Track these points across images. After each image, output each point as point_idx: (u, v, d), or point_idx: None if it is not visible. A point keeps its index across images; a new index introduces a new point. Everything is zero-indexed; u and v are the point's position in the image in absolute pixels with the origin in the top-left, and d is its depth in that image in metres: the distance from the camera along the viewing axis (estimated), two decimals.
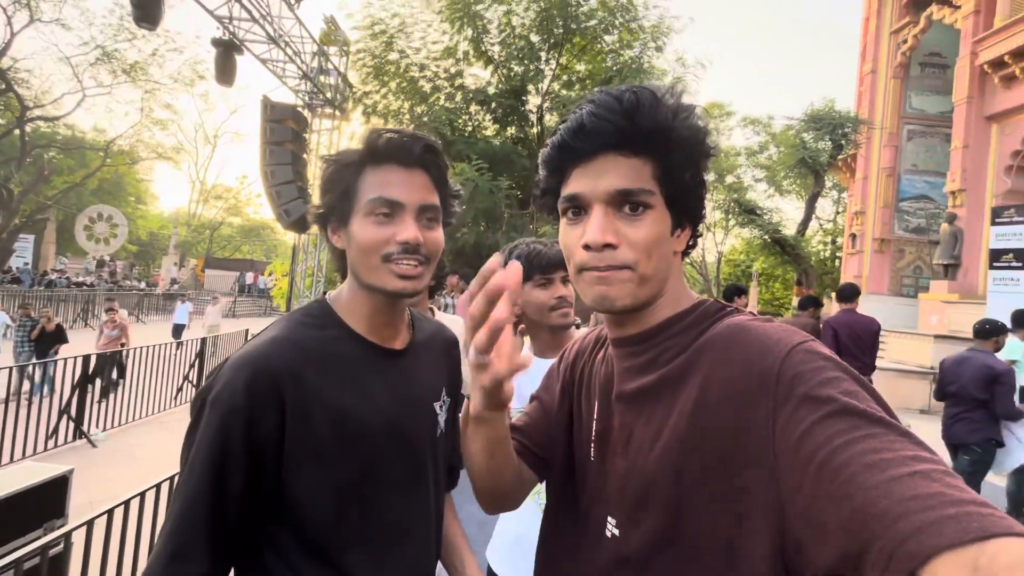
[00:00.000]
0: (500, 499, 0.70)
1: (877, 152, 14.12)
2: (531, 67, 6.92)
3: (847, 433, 0.40)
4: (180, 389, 7.03)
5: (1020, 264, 5.78)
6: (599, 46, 7.32)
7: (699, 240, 0.61)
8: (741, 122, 25.13)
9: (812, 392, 0.43)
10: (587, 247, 0.54)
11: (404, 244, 0.69)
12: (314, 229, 6.34)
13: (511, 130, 7.49)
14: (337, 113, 6.51)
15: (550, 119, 7.57)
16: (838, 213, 25.84)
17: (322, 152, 6.57)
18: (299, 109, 5.77)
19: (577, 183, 0.55)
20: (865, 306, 14.08)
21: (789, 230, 14.97)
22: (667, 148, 0.53)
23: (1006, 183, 10.84)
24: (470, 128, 7.29)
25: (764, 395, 0.46)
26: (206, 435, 0.63)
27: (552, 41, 6.88)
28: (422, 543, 0.77)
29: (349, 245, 0.72)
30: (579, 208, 0.56)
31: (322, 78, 6.12)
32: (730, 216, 18.68)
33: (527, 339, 1.38)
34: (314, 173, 6.31)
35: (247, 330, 9.50)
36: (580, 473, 0.65)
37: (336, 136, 6.62)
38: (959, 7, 11.85)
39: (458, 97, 7.14)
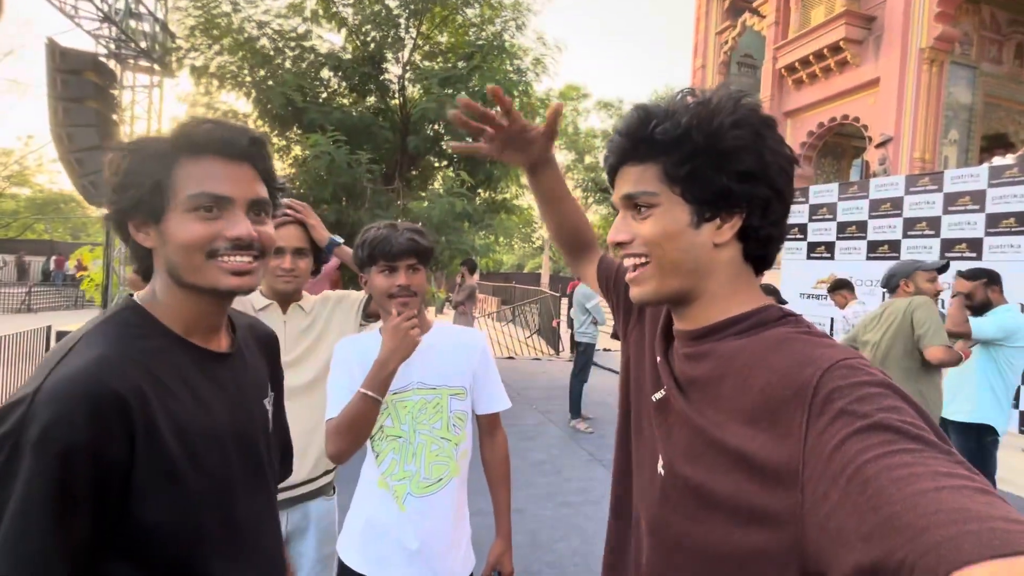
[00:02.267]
0: (582, 237, 0.99)
1: None
2: (389, 34, 6.55)
3: (880, 447, 0.40)
4: None
5: (802, 236, 7.13)
6: (460, 18, 7.18)
7: (777, 230, 0.61)
8: (596, 105, 26.97)
9: (849, 407, 0.43)
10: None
11: (237, 240, 0.67)
12: None
13: (371, 100, 7.07)
14: (156, 68, 5.51)
15: (412, 90, 7.30)
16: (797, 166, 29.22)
17: (139, 114, 5.55)
18: (101, 59, 4.77)
19: (616, 189, 0.66)
20: None
21: None
22: (661, 152, 0.59)
23: (797, 169, 13.23)
24: (323, 95, 6.72)
25: (799, 405, 0.47)
26: (36, 483, 0.53)
27: (412, 8, 6.57)
28: (272, 535, 0.82)
29: (164, 244, 0.67)
30: (615, 208, 0.66)
31: (132, 24, 5.11)
32: (588, 194, 20.10)
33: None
34: (131, 138, 5.34)
35: (49, 327, 7.83)
36: (643, 414, 0.71)
37: (157, 95, 5.61)
38: (765, 16, 13.95)
39: (307, 61, 6.51)
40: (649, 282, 0.62)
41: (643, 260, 0.61)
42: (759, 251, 0.62)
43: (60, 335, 7.76)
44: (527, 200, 10.49)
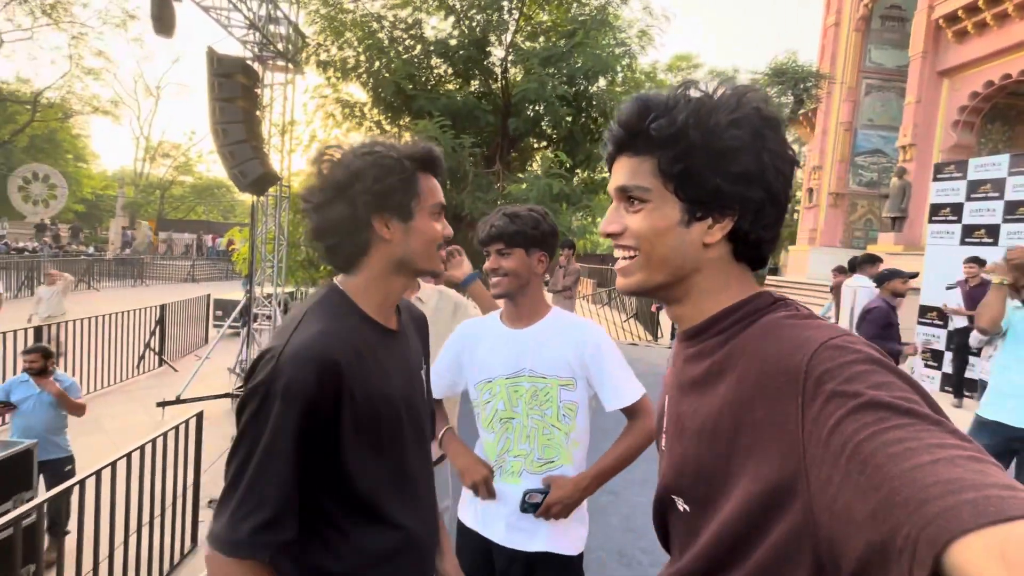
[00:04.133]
0: None
1: (836, 107, 14.39)
2: (493, 16, 6.64)
3: (874, 425, 0.40)
4: (142, 357, 6.89)
5: (956, 218, 6.14)
6: None
7: (770, 233, 0.60)
8: (708, 75, 25.03)
9: (839, 388, 0.44)
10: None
11: (447, 237, 0.91)
12: (273, 190, 6.14)
13: (475, 84, 7.26)
14: (290, 66, 6.14)
15: (514, 72, 7.36)
16: (799, 167, 26.42)
17: (276, 108, 6.25)
18: (248, 62, 5.42)
19: (611, 180, 0.66)
20: (818, 258, 14.55)
21: None
22: (657, 146, 0.58)
23: (952, 137, 11.30)
24: (432, 82, 7.02)
25: (792, 392, 0.47)
26: (282, 423, 0.72)
27: None
28: (429, 484, 0.96)
29: (408, 236, 0.85)
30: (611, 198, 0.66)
31: (272, 28, 5.73)
32: None
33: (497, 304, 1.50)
34: (269, 131, 6.05)
35: (208, 295, 9.26)
36: (661, 455, 0.71)
37: (291, 91, 6.27)
38: None
39: (417, 49, 6.83)
40: (636, 274, 0.62)
41: (632, 253, 0.62)
42: (750, 252, 0.61)
43: (218, 303, 9.15)
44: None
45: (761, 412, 0.50)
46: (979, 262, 4.89)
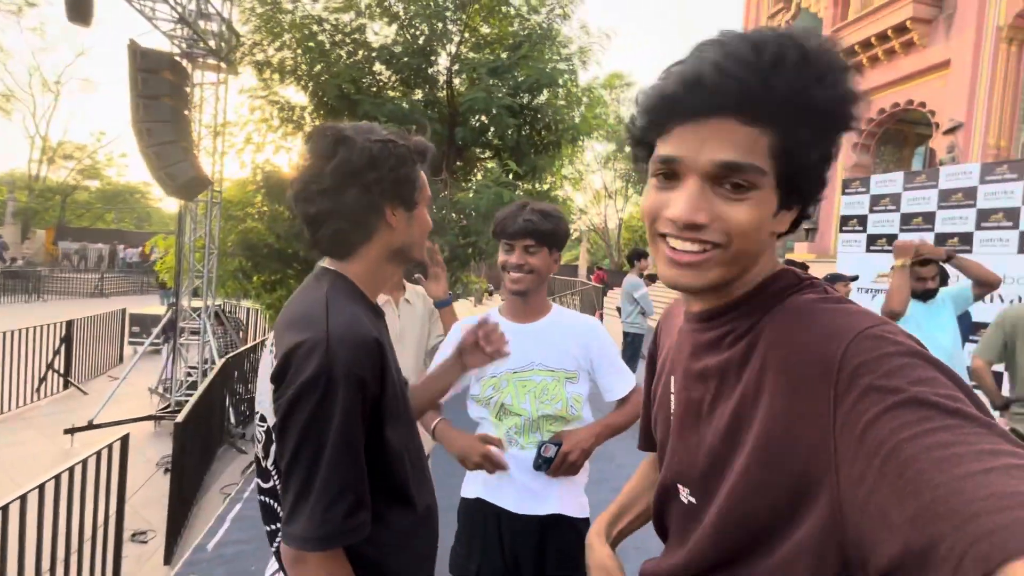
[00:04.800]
0: None
1: None
2: (437, 26, 6.65)
3: (916, 425, 0.37)
4: (43, 379, 6.14)
5: (861, 228, 6.82)
6: (505, 8, 7.20)
7: (808, 218, 0.53)
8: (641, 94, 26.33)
9: (877, 382, 0.40)
10: (673, 221, 0.49)
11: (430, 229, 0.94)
12: (203, 195, 5.73)
13: (420, 93, 7.21)
14: (223, 65, 5.80)
15: (459, 82, 7.39)
16: None
17: (207, 109, 5.86)
18: (177, 59, 5.07)
19: (677, 144, 0.48)
20: None
21: None
22: (798, 120, 0.45)
23: (852, 158, 12.62)
24: (375, 88, 6.90)
25: (824, 383, 0.43)
26: (349, 406, 0.71)
27: (458, 1, 6.64)
28: (426, 464, 0.97)
29: (411, 225, 0.87)
30: (673, 172, 0.49)
31: (202, 24, 5.40)
32: (630, 185, 19.78)
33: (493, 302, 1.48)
34: (199, 133, 5.66)
35: (124, 310, 8.43)
36: (664, 442, 0.66)
37: (223, 91, 5.91)
38: None
39: (360, 54, 6.70)
40: (714, 271, 0.50)
41: (710, 247, 0.49)
42: (793, 229, 0.54)
43: (134, 318, 8.35)
44: (566, 191, 10.45)
45: (789, 403, 0.46)
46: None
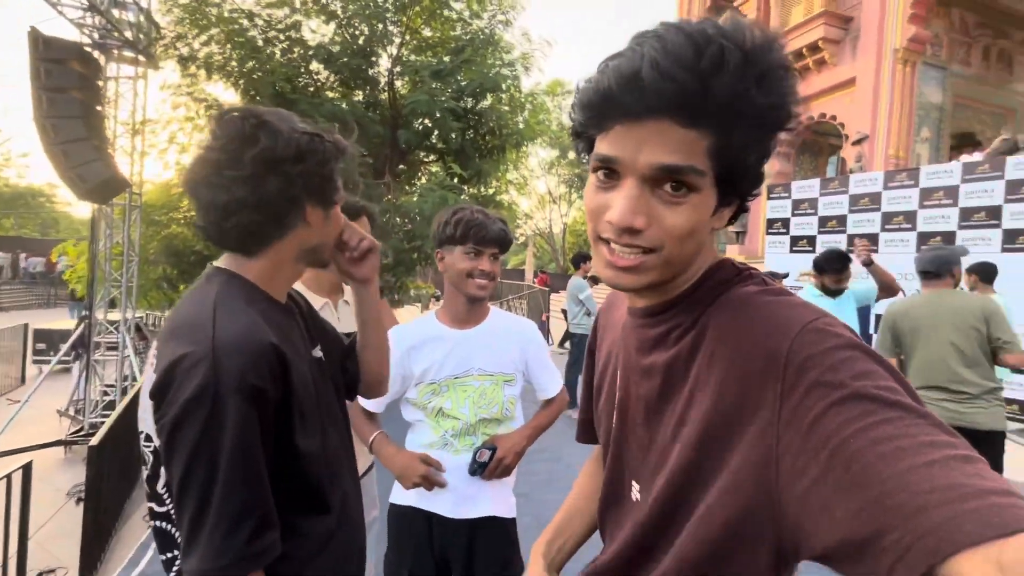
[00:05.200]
0: None
1: None
2: (377, 27, 6.53)
3: (860, 419, 0.38)
4: None
5: (785, 231, 7.33)
6: (447, 12, 7.18)
7: (745, 211, 0.53)
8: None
9: (823, 377, 0.41)
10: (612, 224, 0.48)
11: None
12: (120, 198, 5.28)
13: (360, 94, 7.03)
14: (141, 59, 5.39)
15: (401, 85, 7.28)
16: None
17: (124, 105, 5.42)
18: (87, 49, 4.66)
19: (616, 144, 0.47)
20: None
21: None
22: (738, 123, 0.44)
23: (776, 165, 13.58)
24: (312, 88, 6.66)
25: (771, 378, 0.44)
26: (243, 419, 0.64)
27: (399, 2, 6.55)
28: (352, 468, 0.92)
29: (325, 225, 0.83)
30: (612, 172, 0.48)
31: (117, 12, 4.99)
32: (573, 190, 20.23)
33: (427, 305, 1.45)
34: (115, 130, 5.21)
35: (26, 325, 7.60)
36: (607, 437, 0.66)
37: (142, 86, 5.49)
38: (746, 15, 14.18)
39: (296, 53, 6.44)
40: (650, 274, 0.50)
41: (647, 252, 0.49)
42: (731, 221, 0.54)
43: (39, 334, 7.54)
44: (511, 196, 10.54)
45: (734, 397, 0.47)
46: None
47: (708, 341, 0.51)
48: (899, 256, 5.63)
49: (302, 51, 6.40)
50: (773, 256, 7.41)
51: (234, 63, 5.85)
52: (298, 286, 1.46)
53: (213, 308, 0.70)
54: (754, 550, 0.45)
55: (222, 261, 0.80)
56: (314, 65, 6.72)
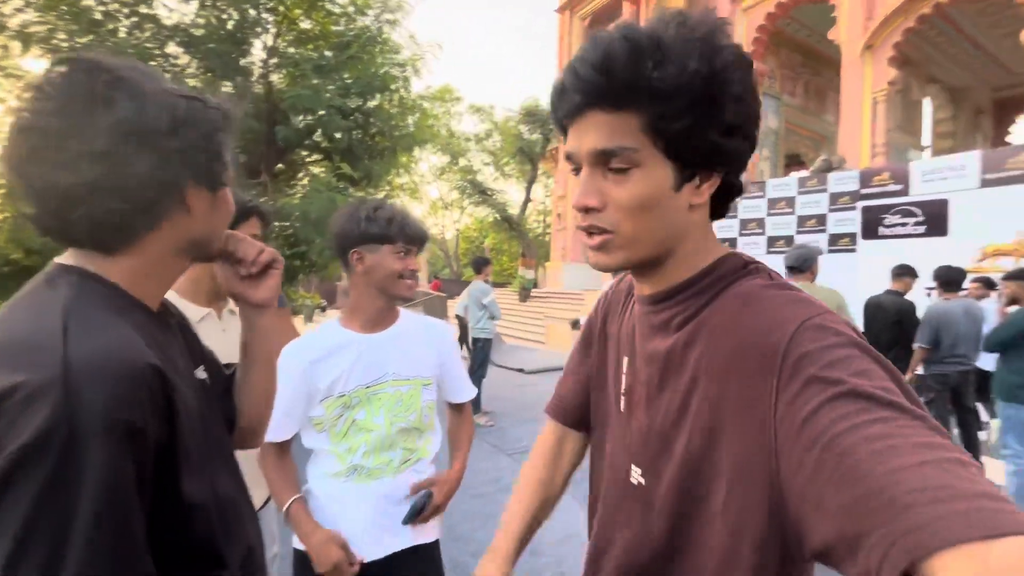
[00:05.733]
0: None
1: None
2: (248, 12, 5.94)
3: (854, 416, 0.38)
4: None
5: (760, 231, 7.12)
6: (328, 5, 6.78)
7: (738, 186, 0.54)
8: (469, 109, 27.38)
9: (820, 373, 0.41)
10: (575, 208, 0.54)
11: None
12: None
13: (229, 84, 6.34)
14: None
15: (279, 78, 6.72)
16: (547, 196, 30.99)
17: None
18: None
19: (570, 142, 0.54)
20: (570, 271, 17.14)
21: (513, 210, 17.23)
22: (649, 100, 0.48)
23: None
24: (170, 74, 5.85)
25: (768, 372, 0.44)
26: (106, 475, 0.47)
27: None
28: (249, 512, 0.74)
29: (212, 211, 0.67)
30: (577, 167, 0.54)
31: None
32: (465, 196, 20.33)
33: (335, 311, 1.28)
34: None
35: None
36: (607, 421, 0.67)
37: None
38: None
39: (147, 31, 5.62)
40: (618, 252, 0.54)
41: (604, 232, 0.53)
42: (721, 207, 0.57)
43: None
44: (403, 199, 10.25)
45: (732, 388, 0.48)
46: None
47: (709, 331, 0.52)
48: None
49: (155, 30, 5.59)
50: None
51: (62, 35, 4.91)
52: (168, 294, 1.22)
53: (62, 320, 0.52)
54: (764, 545, 0.46)
55: (70, 257, 0.60)
56: (172, 48, 5.91)
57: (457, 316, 8.60)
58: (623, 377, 0.64)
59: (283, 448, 1.18)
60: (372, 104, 7.07)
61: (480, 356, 5.16)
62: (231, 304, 1.32)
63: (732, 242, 7.06)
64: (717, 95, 0.49)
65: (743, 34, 12.18)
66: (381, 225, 1.15)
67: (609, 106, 0.50)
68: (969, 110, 13.86)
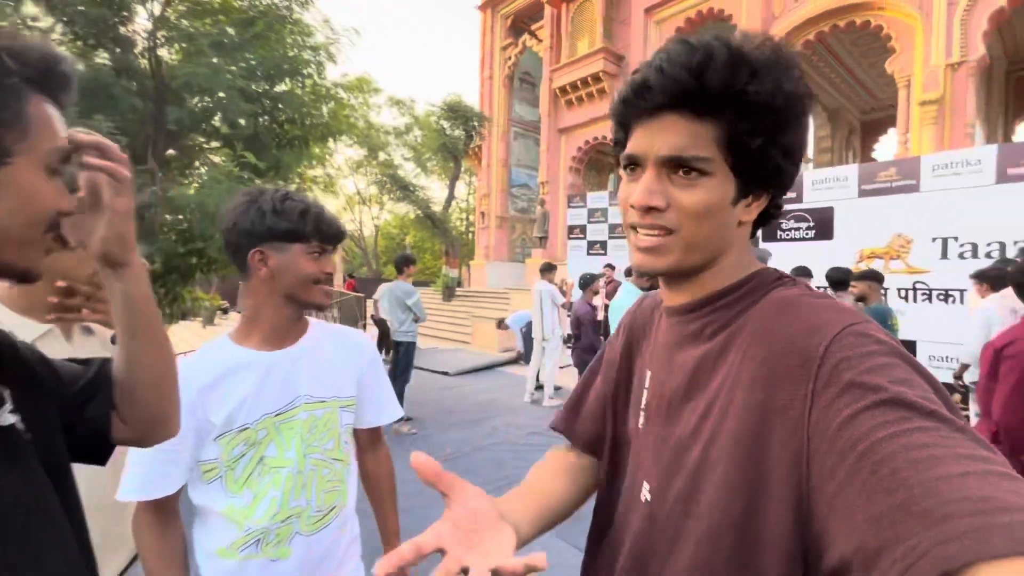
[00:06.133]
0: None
1: (495, 146, 17.40)
2: None
3: (894, 424, 0.37)
4: None
5: (582, 236, 8.23)
6: None
7: (778, 208, 0.56)
8: (388, 101, 26.47)
9: (859, 379, 0.40)
10: (635, 207, 0.54)
11: (63, 214, 0.55)
12: None
13: (106, 56, 5.55)
14: None
15: (170, 54, 6.00)
16: (470, 194, 30.83)
17: None
18: None
19: (636, 142, 0.54)
20: (493, 270, 17.28)
21: (436, 207, 16.90)
22: (736, 112, 0.49)
23: (569, 179, 15.26)
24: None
25: (804, 376, 0.43)
26: None
27: None
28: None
29: (22, 192, 0.49)
30: (636, 165, 0.55)
31: None
32: (384, 191, 19.60)
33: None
34: None
35: None
36: (628, 440, 0.65)
37: None
38: (541, 41, 15.64)
39: None
40: (670, 255, 0.54)
41: (666, 232, 0.53)
42: (761, 225, 0.58)
43: None
44: (315, 194, 9.64)
45: (765, 395, 0.46)
46: (611, 267, 6.73)
47: (743, 340, 0.51)
48: None
49: None
50: (574, 259, 8.27)
51: None
52: None
53: None
54: (789, 558, 0.44)
55: None
56: (29, 8, 5.04)
57: (374, 318, 8.24)
58: (644, 392, 0.63)
59: (164, 509, 0.92)
60: (281, 89, 6.55)
61: (403, 361, 4.93)
62: (91, 324, 1.05)
63: (603, 244, 7.44)
64: (791, 118, 0.50)
65: (655, 46, 12.84)
66: (291, 219, 0.95)
67: (692, 111, 0.50)
68: (843, 129, 15.71)
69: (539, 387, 6.18)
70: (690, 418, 0.53)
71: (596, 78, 13.89)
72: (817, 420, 0.41)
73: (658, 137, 0.52)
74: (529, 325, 8.68)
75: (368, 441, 1.19)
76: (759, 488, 0.45)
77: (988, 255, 4.58)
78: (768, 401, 0.46)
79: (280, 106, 6.45)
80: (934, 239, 4.89)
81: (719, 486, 0.48)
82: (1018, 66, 12.64)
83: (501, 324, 9.13)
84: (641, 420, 0.62)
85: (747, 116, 0.49)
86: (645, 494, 0.57)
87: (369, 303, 9.89)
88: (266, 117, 6.48)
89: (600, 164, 17.38)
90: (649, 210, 0.53)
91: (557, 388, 5.93)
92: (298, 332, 1.04)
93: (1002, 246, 4.61)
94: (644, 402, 0.62)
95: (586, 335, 4.48)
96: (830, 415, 0.40)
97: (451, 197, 17.32)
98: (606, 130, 14.26)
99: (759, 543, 0.45)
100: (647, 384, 0.63)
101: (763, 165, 0.51)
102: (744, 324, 0.52)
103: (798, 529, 0.42)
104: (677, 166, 0.51)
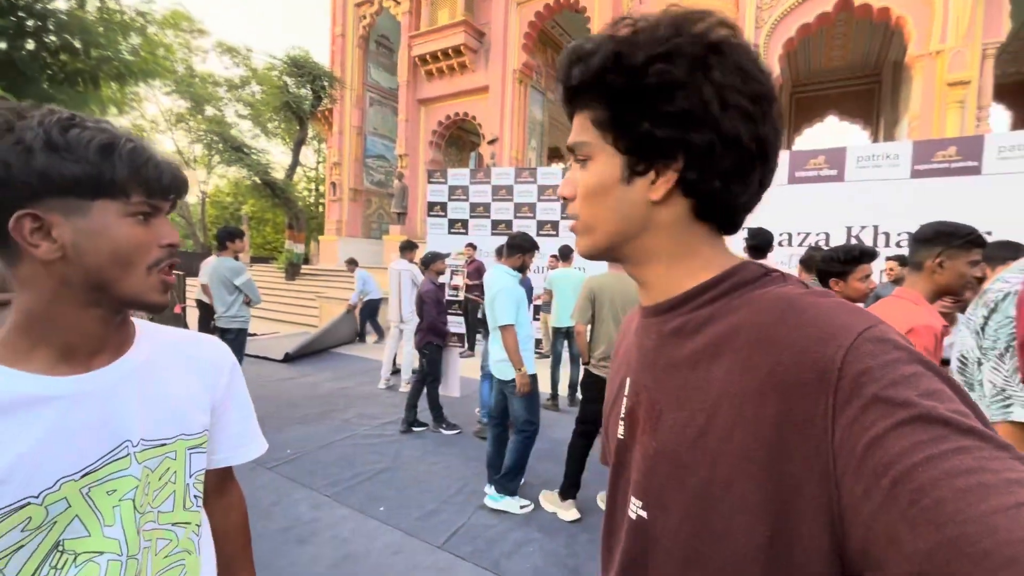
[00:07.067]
0: None
1: (348, 111, 16.05)
2: None
3: (930, 446, 0.34)
4: None
5: (443, 214, 7.98)
6: None
7: (738, 183, 0.50)
8: (218, 47, 22.68)
9: (884, 393, 0.37)
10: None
11: None
12: None
13: None
14: None
15: None
16: (320, 162, 28.19)
17: None
18: None
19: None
20: (346, 247, 16.20)
21: (278, 174, 15.02)
22: (588, 96, 0.53)
23: (429, 153, 14.79)
24: None
25: (822, 390, 0.40)
26: None
27: None
28: None
29: None
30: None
31: None
32: (213, 152, 16.82)
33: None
34: None
35: None
36: (615, 452, 0.62)
37: None
38: (400, 3, 14.68)
39: None
40: (582, 239, 0.57)
41: (577, 218, 0.57)
42: (715, 211, 0.52)
43: None
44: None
45: (777, 408, 0.42)
46: (473, 247, 6.61)
47: (740, 345, 0.47)
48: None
49: None
50: (434, 237, 7.99)
51: None
52: None
53: None
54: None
55: None
56: None
57: (197, 301, 7.03)
58: (624, 399, 0.60)
59: None
60: (55, 6, 5.08)
61: (235, 350, 4.23)
62: None
63: (508, 223, 7.50)
64: (638, 85, 0.49)
65: (516, 27, 12.94)
66: (87, 158, 0.58)
67: (576, 108, 0.56)
68: None
69: (395, 371, 5.88)
70: (684, 431, 0.49)
71: (457, 51, 13.54)
72: (841, 439, 0.38)
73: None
74: (362, 300, 8.22)
75: (215, 485, 0.84)
76: (786, 510, 0.42)
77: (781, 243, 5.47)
78: (782, 416, 0.42)
79: (52, 28, 4.98)
80: None
81: (739, 509, 0.44)
82: (799, 88, 15.53)
83: (352, 309, 8.52)
84: (621, 429, 0.59)
85: (591, 97, 0.53)
86: (636, 510, 0.54)
87: (192, 283, 8.44)
88: (31, 40, 4.97)
89: (462, 141, 17.15)
90: (566, 199, 0.57)
91: (414, 372, 5.70)
92: (119, 343, 0.67)
93: (789, 236, 5.56)
94: (624, 410, 0.59)
95: (427, 315, 4.25)
96: (855, 433, 0.38)
97: (295, 163, 15.55)
98: (468, 106, 14.05)
99: (792, 568, 0.42)
100: (627, 391, 0.60)
101: (629, 135, 0.51)
102: (736, 325, 0.48)
103: (834, 551, 0.40)
104: (576, 156, 0.56)
